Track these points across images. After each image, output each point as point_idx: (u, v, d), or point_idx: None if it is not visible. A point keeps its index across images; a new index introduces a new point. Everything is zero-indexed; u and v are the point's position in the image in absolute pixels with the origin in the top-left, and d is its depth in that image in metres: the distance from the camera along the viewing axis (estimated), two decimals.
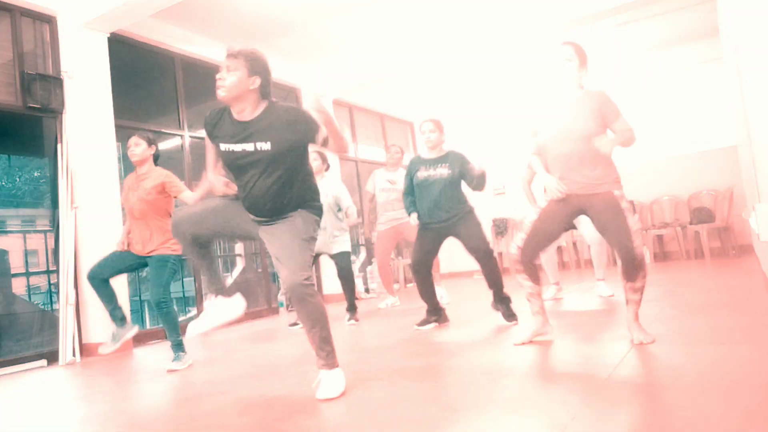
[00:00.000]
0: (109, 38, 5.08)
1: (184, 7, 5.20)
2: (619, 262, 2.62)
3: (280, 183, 2.37)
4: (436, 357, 2.85)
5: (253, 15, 5.82)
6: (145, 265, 3.68)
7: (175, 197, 3.68)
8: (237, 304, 2.58)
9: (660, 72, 8.14)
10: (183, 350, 3.55)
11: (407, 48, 6.98)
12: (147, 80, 6.12)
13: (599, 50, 8.00)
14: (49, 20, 4.91)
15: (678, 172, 7.93)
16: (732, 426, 1.47)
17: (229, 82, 2.31)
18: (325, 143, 2.39)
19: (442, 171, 3.81)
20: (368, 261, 8.45)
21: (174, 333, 3.54)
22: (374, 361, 2.96)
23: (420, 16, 6.35)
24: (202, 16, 5.70)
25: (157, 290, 3.54)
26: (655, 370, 2.09)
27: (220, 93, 2.34)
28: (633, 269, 2.56)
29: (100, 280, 3.62)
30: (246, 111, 2.37)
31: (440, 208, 3.79)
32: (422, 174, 3.86)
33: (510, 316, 3.67)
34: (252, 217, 2.46)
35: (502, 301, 3.73)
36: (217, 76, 2.34)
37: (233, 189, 2.48)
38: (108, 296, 3.65)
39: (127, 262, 3.69)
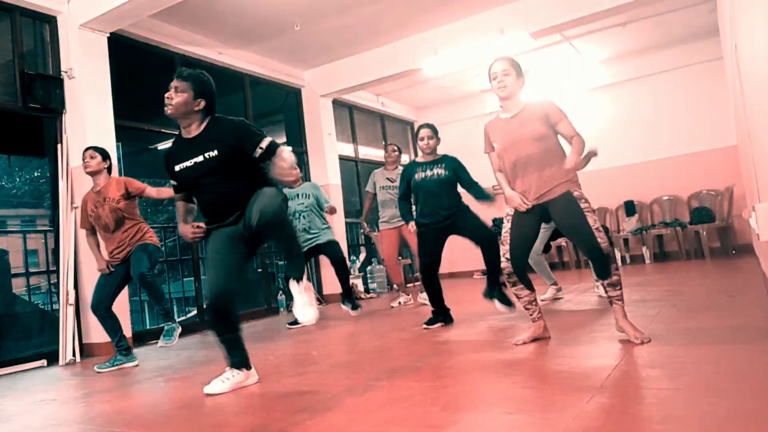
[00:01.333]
0: (109, 38, 5.08)
1: (184, 7, 5.20)
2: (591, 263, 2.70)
3: (234, 188, 2.54)
4: (436, 357, 2.85)
5: (253, 15, 5.81)
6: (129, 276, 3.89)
7: (140, 196, 3.90)
8: (252, 378, 2.73)
9: (660, 72, 8.13)
10: (172, 320, 3.79)
11: (407, 48, 6.99)
12: (147, 80, 6.12)
13: (597, 50, 8.01)
14: (49, 20, 4.92)
15: (678, 172, 7.93)
16: (732, 426, 1.47)
17: (175, 102, 2.55)
18: (263, 158, 2.52)
19: (440, 171, 3.91)
20: (368, 261, 8.45)
21: (162, 300, 3.78)
22: (374, 361, 2.96)
23: (420, 15, 6.36)
24: (202, 16, 5.70)
25: (138, 265, 3.69)
26: (655, 370, 2.09)
27: (167, 110, 2.56)
28: (603, 266, 2.62)
29: (104, 309, 3.80)
30: (192, 127, 2.61)
31: (440, 206, 3.86)
32: (420, 175, 3.94)
33: (506, 302, 3.81)
34: (212, 225, 2.64)
35: (497, 285, 3.86)
36: (166, 95, 2.55)
37: (201, 229, 2.67)
38: (113, 328, 3.84)
39: (117, 279, 3.87)
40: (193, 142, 2.59)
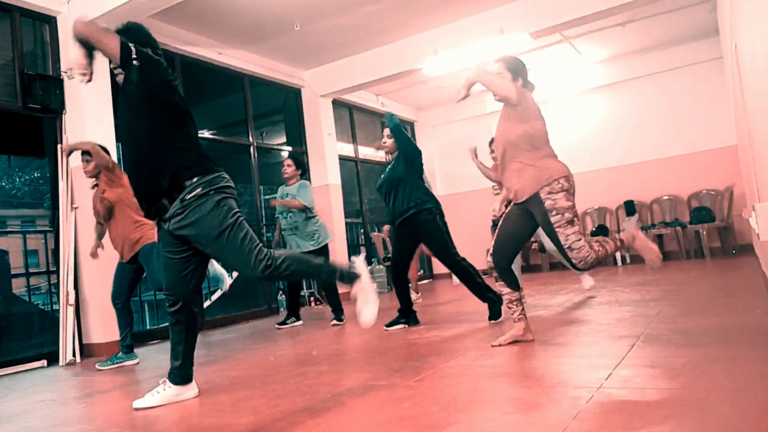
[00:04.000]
0: None
1: (184, 7, 5.20)
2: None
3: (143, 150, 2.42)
4: (436, 357, 2.85)
5: (253, 15, 5.81)
6: (143, 270, 3.91)
7: (108, 169, 3.87)
8: (191, 392, 2.59)
9: (660, 72, 8.13)
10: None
11: (407, 48, 6.98)
12: None
13: (597, 50, 8.01)
14: (49, 20, 4.92)
15: (678, 172, 7.93)
16: (732, 426, 1.47)
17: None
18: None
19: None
20: (368, 261, 8.45)
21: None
22: (374, 361, 2.96)
23: (420, 15, 6.36)
24: (202, 16, 5.70)
25: (157, 279, 3.69)
26: (655, 370, 2.09)
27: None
28: (580, 269, 2.65)
29: (122, 302, 3.90)
30: None
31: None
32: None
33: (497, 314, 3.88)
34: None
35: (485, 299, 3.98)
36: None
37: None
38: (124, 323, 3.92)
39: (129, 275, 3.93)
40: None
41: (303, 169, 5.13)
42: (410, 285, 5.92)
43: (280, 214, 5.04)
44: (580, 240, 2.58)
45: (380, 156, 9.46)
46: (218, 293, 5.81)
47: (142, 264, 3.84)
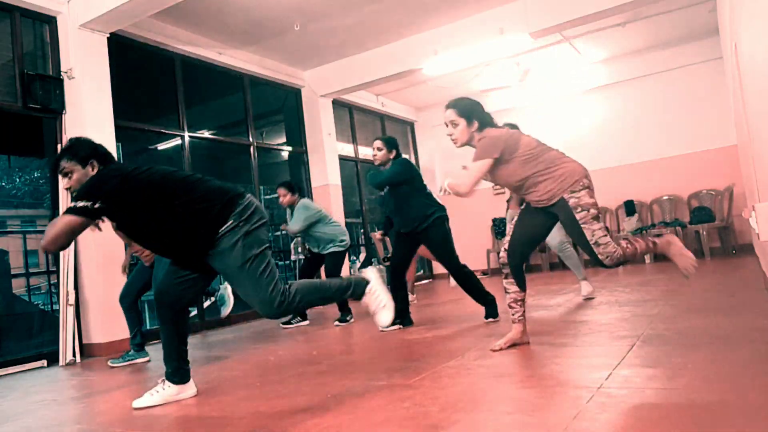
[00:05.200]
0: (109, 38, 5.08)
1: (184, 7, 5.21)
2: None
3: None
4: (436, 357, 2.85)
5: (253, 15, 5.82)
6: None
7: None
8: (190, 391, 2.60)
9: (660, 72, 8.13)
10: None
11: (407, 48, 6.98)
12: (147, 80, 6.12)
13: (597, 50, 8.01)
14: (49, 20, 4.91)
15: (678, 172, 7.93)
16: (732, 426, 1.47)
17: (75, 180, 2.47)
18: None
19: None
20: (368, 261, 8.45)
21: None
22: (374, 361, 2.96)
23: (420, 15, 6.36)
24: (202, 16, 5.70)
25: (158, 277, 3.71)
26: (655, 370, 2.09)
27: (67, 189, 2.56)
28: (606, 266, 2.60)
29: (127, 303, 3.94)
30: None
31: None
32: None
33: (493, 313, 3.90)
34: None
35: (483, 303, 4.00)
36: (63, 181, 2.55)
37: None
38: (132, 322, 3.96)
39: (144, 278, 3.95)
40: None
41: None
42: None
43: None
44: (606, 236, 2.57)
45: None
46: (207, 303, 5.75)
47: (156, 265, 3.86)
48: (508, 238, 2.82)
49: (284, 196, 5.06)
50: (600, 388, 1.92)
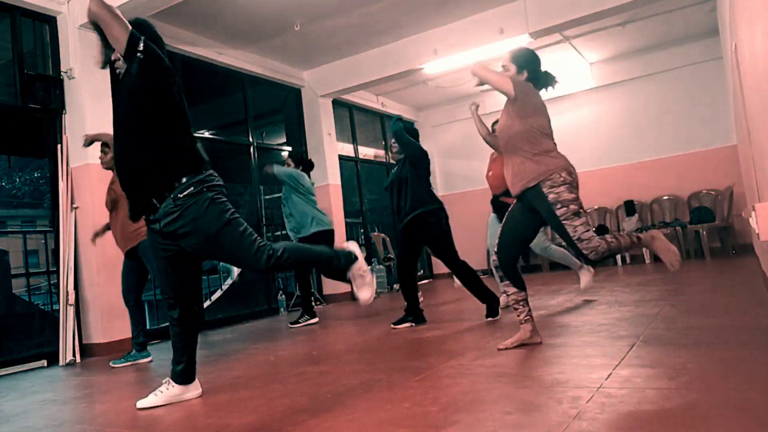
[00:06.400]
0: None
1: (184, 7, 5.20)
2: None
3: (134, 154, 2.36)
4: (436, 357, 2.85)
5: (253, 15, 5.81)
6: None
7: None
8: (195, 391, 2.59)
9: (660, 71, 8.13)
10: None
11: (407, 48, 6.98)
12: None
13: (597, 50, 8.01)
14: (49, 20, 4.91)
15: (678, 172, 7.93)
16: (732, 426, 1.47)
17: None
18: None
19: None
20: (368, 261, 8.45)
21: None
22: (374, 361, 2.96)
23: (420, 15, 6.36)
24: (202, 16, 5.70)
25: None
26: (655, 370, 2.09)
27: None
28: (592, 261, 2.60)
29: (133, 300, 3.95)
30: None
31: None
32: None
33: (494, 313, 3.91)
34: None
35: (486, 302, 3.98)
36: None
37: None
38: (135, 321, 3.97)
39: (133, 272, 3.95)
40: None
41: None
42: None
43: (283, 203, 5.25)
44: (588, 231, 2.55)
45: (381, 156, 9.48)
46: (218, 293, 5.85)
47: (143, 260, 3.82)
48: (496, 241, 2.83)
49: (288, 165, 5.35)
50: (600, 388, 1.92)
